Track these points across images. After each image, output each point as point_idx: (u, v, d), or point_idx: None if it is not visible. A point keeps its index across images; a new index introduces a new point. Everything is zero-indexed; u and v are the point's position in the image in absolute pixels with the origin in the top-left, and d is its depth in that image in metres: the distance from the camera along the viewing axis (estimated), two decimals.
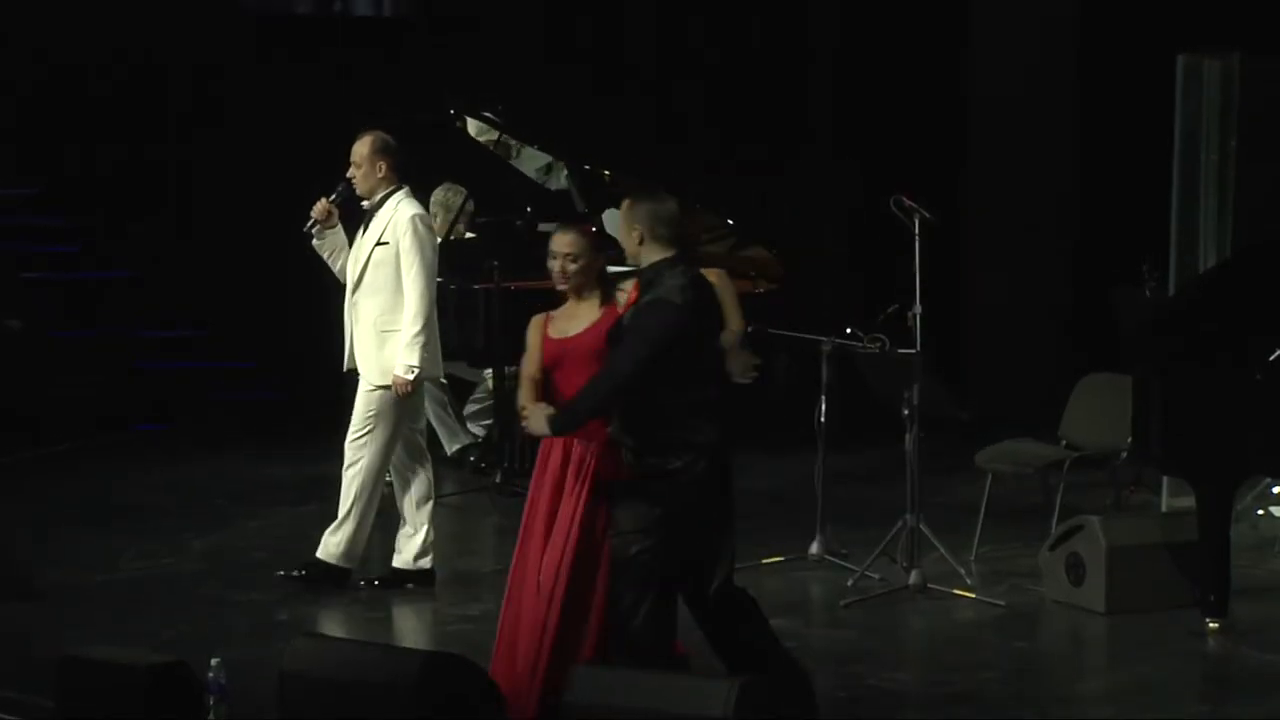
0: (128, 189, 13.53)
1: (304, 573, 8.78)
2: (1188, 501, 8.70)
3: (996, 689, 7.49)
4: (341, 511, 8.78)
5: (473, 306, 10.53)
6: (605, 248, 7.58)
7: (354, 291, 8.74)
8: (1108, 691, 7.55)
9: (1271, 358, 8.06)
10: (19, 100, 13.69)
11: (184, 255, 13.30)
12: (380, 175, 8.71)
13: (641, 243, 7.04)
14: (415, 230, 8.67)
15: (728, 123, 13.79)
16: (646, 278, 6.98)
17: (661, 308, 6.80)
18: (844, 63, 13.57)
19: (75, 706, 6.69)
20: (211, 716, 6.72)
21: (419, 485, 8.90)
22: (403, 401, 8.71)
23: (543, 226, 10.93)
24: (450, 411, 11.34)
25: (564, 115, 12.96)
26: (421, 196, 11.26)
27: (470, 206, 11.16)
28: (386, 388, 8.68)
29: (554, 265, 7.05)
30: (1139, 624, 8.18)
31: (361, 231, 8.78)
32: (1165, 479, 9.74)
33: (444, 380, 11.34)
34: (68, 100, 13.72)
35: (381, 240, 8.69)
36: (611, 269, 10.81)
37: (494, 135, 10.88)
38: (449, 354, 11.06)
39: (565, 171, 10.95)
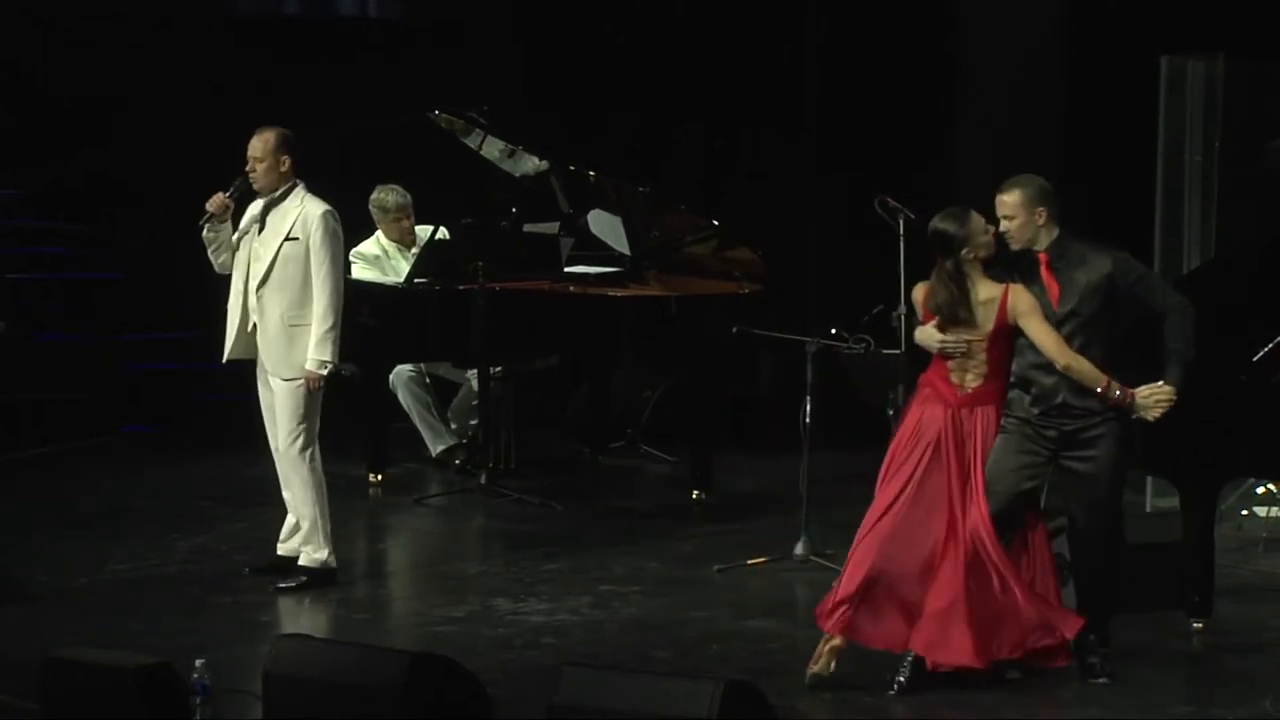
0: (116, 191, 13.52)
1: (303, 580, 8.83)
2: (1172, 502, 8.72)
3: (983, 690, 7.50)
4: (305, 524, 8.84)
5: (458, 307, 10.53)
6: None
7: (260, 285, 8.79)
8: (1093, 692, 7.55)
9: (1255, 358, 8.09)
10: (6, 101, 13.68)
11: (172, 258, 13.28)
12: (283, 169, 8.79)
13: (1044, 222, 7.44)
14: (327, 226, 8.74)
15: (711, 122, 13.80)
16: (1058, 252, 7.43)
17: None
18: (829, 63, 13.57)
19: (60, 708, 6.69)
20: (196, 717, 6.73)
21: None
22: (316, 394, 8.74)
23: (528, 227, 10.95)
24: (435, 412, 11.35)
25: (547, 116, 12.98)
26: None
27: (408, 200, 11.13)
28: (298, 379, 8.74)
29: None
30: (1123, 625, 8.18)
31: (258, 228, 8.83)
32: (1149, 479, 9.77)
33: (428, 380, 11.39)
34: (56, 100, 13.72)
35: (290, 236, 8.75)
36: (595, 269, 10.93)
37: (459, 122, 10.86)
38: (431, 354, 11.14)
39: (529, 158, 10.93)
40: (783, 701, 7.03)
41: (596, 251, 11.02)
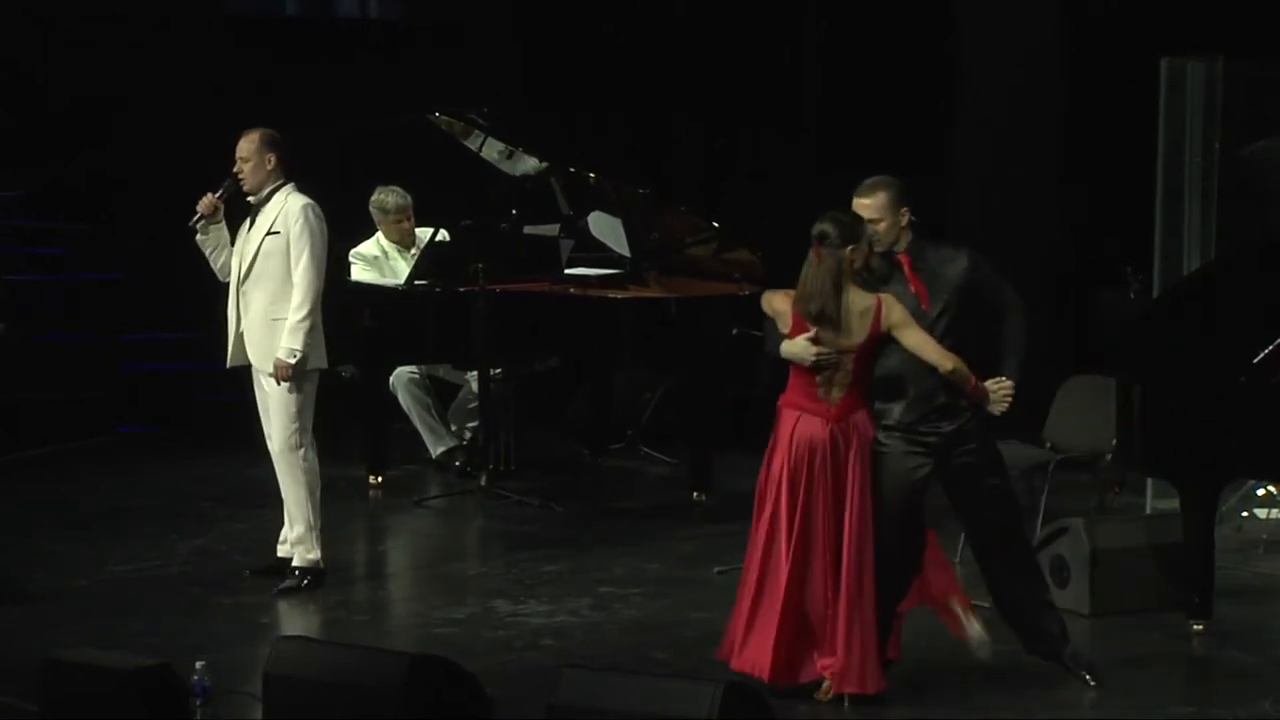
0: (116, 191, 13.52)
1: (304, 583, 8.83)
2: (1172, 504, 8.72)
3: (983, 690, 7.50)
4: (299, 525, 8.85)
5: (458, 309, 10.53)
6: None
7: (243, 282, 8.81)
8: (1092, 693, 7.55)
9: (1255, 360, 8.09)
10: (6, 101, 13.68)
11: (172, 258, 13.28)
12: (270, 168, 8.80)
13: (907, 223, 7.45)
14: (307, 219, 8.75)
15: (711, 122, 13.80)
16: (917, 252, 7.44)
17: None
18: (829, 63, 13.57)
19: (59, 709, 6.69)
20: (196, 718, 6.73)
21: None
22: (304, 387, 8.72)
23: (529, 229, 10.95)
24: (435, 414, 11.35)
25: (547, 118, 12.98)
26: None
27: (408, 202, 11.14)
28: None
29: None
30: (1123, 626, 8.20)
31: (247, 226, 8.85)
32: (1150, 481, 9.77)
33: (428, 382, 11.39)
34: (56, 100, 13.72)
35: (272, 230, 8.77)
36: (595, 270, 10.92)
37: (458, 124, 10.87)
38: (431, 356, 11.13)
39: (527, 157, 10.93)
40: (781, 703, 7.04)
41: (597, 253, 11.02)
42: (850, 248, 7.26)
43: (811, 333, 7.24)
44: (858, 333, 7.24)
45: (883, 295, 7.28)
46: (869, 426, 7.32)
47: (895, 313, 7.25)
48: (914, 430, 7.34)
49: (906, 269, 7.38)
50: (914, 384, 7.34)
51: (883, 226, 7.37)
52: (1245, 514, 9.83)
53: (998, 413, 7.34)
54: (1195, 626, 8.13)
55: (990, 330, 7.50)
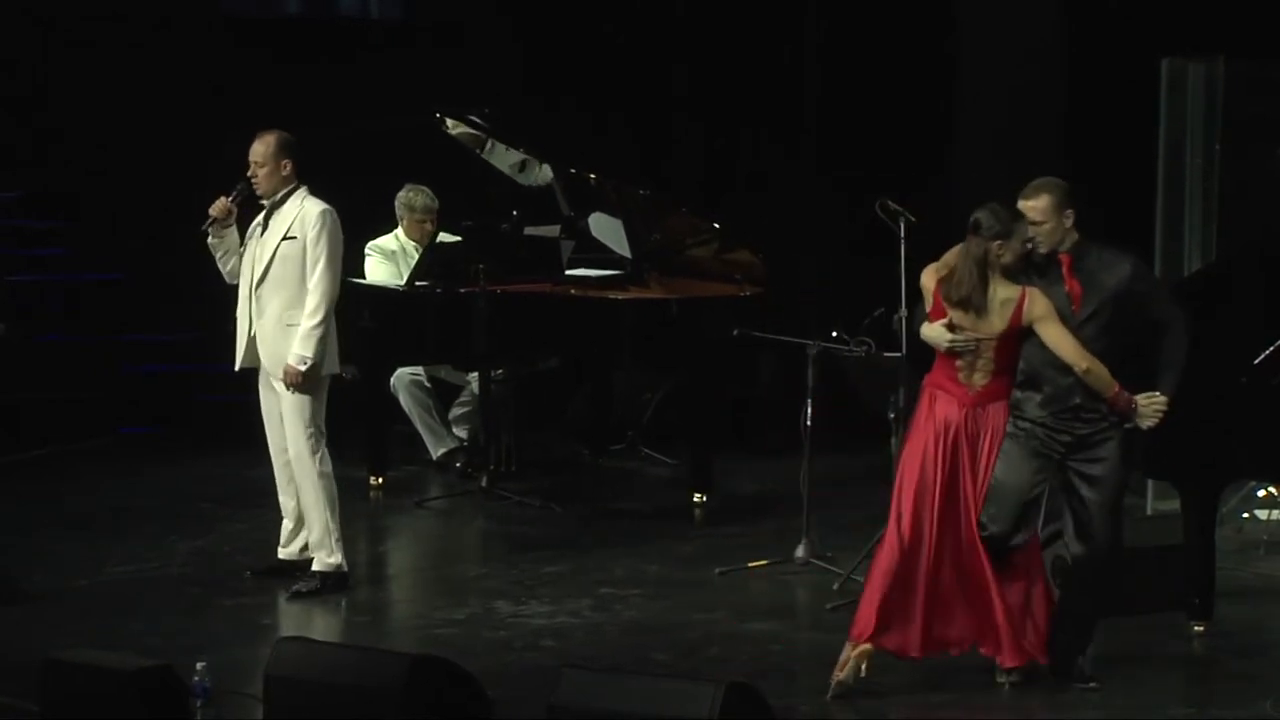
0: (115, 191, 13.51)
1: (322, 586, 8.83)
2: (1172, 504, 8.72)
3: (983, 690, 7.50)
4: (316, 529, 8.84)
5: (459, 310, 10.53)
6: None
7: (257, 286, 8.79)
8: (1092, 694, 7.55)
9: (1256, 361, 8.09)
10: (6, 101, 13.68)
11: (172, 258, 13.28)
12: (283, 174, 8.79)
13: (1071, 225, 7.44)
14: (325, 224, 8.74)
15: (711, 122, 13.81)
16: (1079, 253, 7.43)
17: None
18: (829, 63, 13.57)
19: (60, 710, 6.69)
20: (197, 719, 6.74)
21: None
22: (317, 392, 8.72)
23: (529, 230, 10.95)
24: (435, 415, 11.35)
25: (548, 119, 12.97)
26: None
27: (436, 205, 11.17)
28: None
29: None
30: (1123, 627, 8.19)
31: (260, 230, 8.83)
32: (1150, 482, 9.77)
33: (428, 384, 11.38)
34: (56, 101, 13.72)
35: (289, 235, 8.75)
36: (595, 271, 10.92)
37: (467, 129, 10.87)
38: (432, 357, 11.13)
39: (540, 168, 10.94)
40: (783, 703, 7.04)
41: (597, 254, 11.02)
42: (998, 242, 7.31)
43: (947, 319, 7.34)
44: (998, 322, 7.31)
45: (1028, 288, 7.32)
46: (1005, 415, 7.39)
47: (1038, 306, 7.30)
48: (1044, 427, 7.37)
49: (1065, 268, 7.38)
50: (1051, 382, 7.35)
51: (1046, 229, 7.38)
52: (1245, 515, 9.83)
53: (1145, 426, 7.36)
54: (1195, 627, 8.13)
55: (1148, 344, 7.47)
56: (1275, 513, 9.79)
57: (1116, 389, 7.32)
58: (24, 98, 13.74)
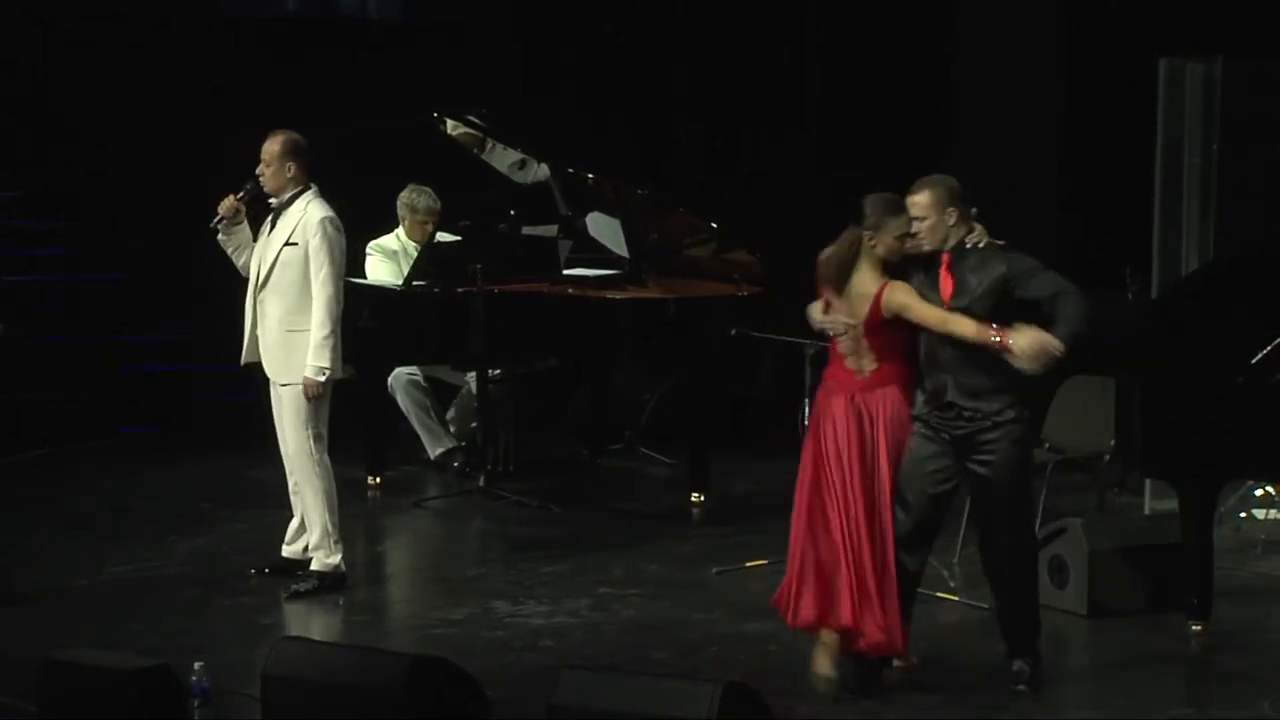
0: (114, 191, 13.52)
1: (320, 586, 8.84)
2: (1171, 504, 8.72)
3: (979, 692, 7.50)
4: (316, 530, 8.85)
5: (456, 309, 10.53)
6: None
7: (260, 289, 8.81)
8: (1090, 694, 7.57)
9: (1254, 360, 8.10)
10: (6, 101, 13.69)
11: (172, 258, 13.30)
12: (289, 175, 8.79)
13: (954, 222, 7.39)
14: (325, 232, 8.74)
15: (711, 122, 13.81)
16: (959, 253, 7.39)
17: None
18: (829, 63, 13.58)
19: (58, 710, 6.69)
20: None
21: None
22: (321, 398, 8.75)
23: (527, 229, 10.95)
24: (433, 415, 11.35)
25: (547, 119, 12.97)
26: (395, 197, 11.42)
27: (438, 206, 11.18)
28: (298, 384, 8.75)
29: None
30: (1122, 627, 8.20)
31: (268, 230, 8.85)
32: (1148, 481, 9.77)
33: (427, 383, 11.39)
34: (56, 100, 13.73)
35: (290, 241, 8.76)
36: (593, 271, 10.92)
37: (466, 129, 10.88)
38: (430, 356, 11.13)
39: (538, 167, 10.95)
40: (781, 703, 7.04)
41: (595, 253, 11.02)
42: (869, 233, 7.32)
43: (824, 300, 7.43)
44: (858, 313, 7.34)
45: (890, 281, 7.32)
46: (900, 402, 7.37)
47: (898, 295, 7.31)
48: (931, 424, 7.37)
49: (943, 267, 7.39)
50: (930, 377, 7.37)
51: (926, 225, 7.37)
52: (1244, 514, 9.83)
53: (1029, 369, 7.22)
54: (1194, 627, 8.13)
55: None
56: (1273, 512, 9.80)
57: (989, 333, 7.20)
58: (24, 98, 13.75)
